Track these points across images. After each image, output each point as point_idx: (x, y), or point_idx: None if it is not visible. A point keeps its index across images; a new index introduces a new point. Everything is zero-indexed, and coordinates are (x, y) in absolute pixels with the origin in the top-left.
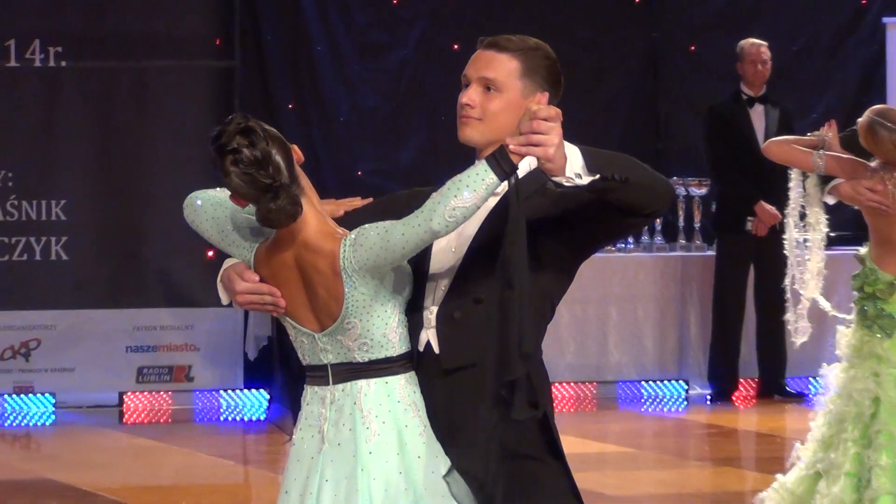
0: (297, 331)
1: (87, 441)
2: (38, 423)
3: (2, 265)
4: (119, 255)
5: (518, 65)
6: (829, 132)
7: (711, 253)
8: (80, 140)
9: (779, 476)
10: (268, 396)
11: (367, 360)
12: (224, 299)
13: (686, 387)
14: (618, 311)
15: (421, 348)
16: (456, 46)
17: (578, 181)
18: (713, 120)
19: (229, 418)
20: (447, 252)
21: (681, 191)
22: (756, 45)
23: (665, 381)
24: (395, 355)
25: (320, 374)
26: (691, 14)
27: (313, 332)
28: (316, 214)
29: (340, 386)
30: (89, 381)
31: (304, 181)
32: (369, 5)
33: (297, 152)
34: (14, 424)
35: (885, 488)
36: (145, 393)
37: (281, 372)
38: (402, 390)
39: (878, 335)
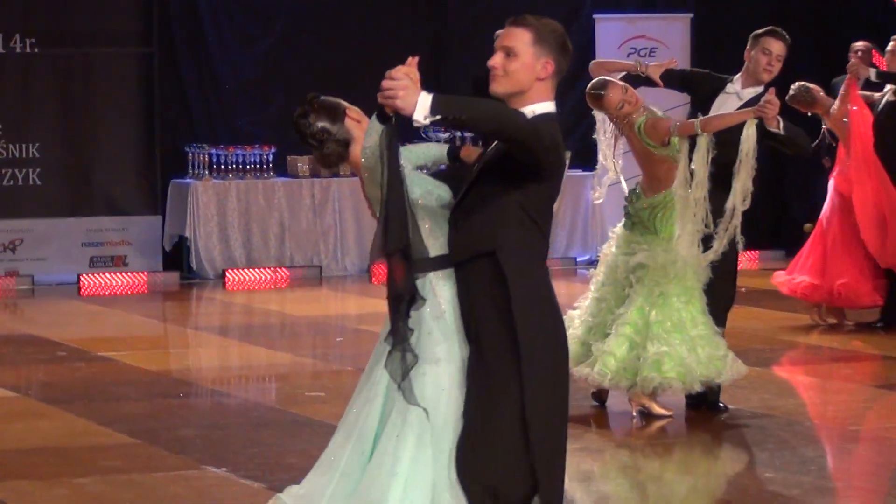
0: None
1: (55, 308)
2: (22, 296)
3: None
4: (76, 181)
5: (531, 35)
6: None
7: None
8: (50, 104)
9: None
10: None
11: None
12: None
13: None
14: None
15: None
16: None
17: (424, 122)
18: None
19: (153, 291)
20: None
21: None
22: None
23: None
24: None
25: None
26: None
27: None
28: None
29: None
30: (57, 267)
31: (357, 132)
32: (246, 7)
33: (351, 113)
34: (4, 297)
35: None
36: (96, 274)
37: None
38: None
39: (639, 232)
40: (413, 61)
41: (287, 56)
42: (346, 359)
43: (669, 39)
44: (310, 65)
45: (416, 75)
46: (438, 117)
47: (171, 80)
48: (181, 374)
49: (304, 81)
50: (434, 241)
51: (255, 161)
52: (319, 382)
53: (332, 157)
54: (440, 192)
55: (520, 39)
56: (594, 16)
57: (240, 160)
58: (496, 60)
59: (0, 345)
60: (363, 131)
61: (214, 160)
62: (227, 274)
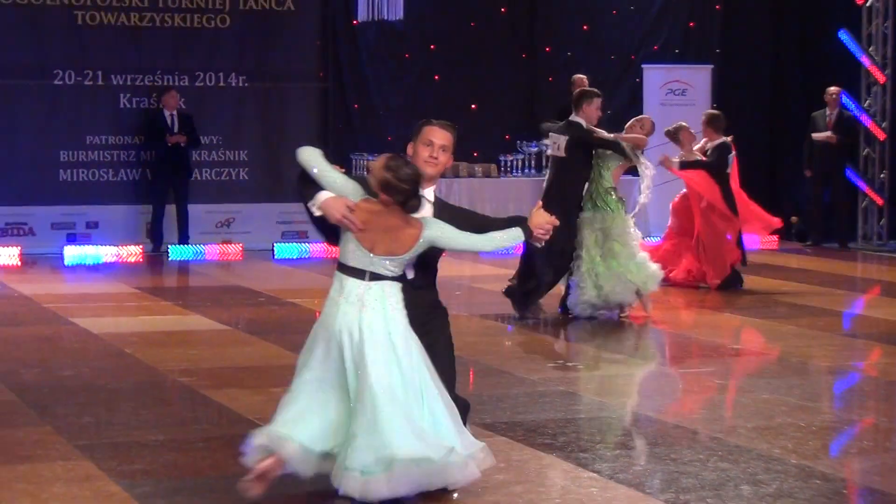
0: (357, 245)
1: (257, 267)
2: (234, 259)
3: None
4: (272, 177)
5: (453, 140)
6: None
7: None
8: (254, 122)
9: None
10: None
11: (390, 275)
12: (317, 212)
13: None
14: None
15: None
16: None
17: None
18: None
19: (326, 257)
20: None
21: None
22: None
23: None
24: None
25: (359, 274)
26: None
27: (370, 252)
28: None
29: (373, 283)
30: (258, 238)
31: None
32: (393, 54)
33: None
34: (222, 259)
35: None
36: (285, 244)
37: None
38: (399, 293)
39: (602, 211)
40: (552, 219)
41: (423, 90)
42: (462, 307)
43: (696, 83)
44: (437, 96)
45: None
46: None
47: (340, 107)
48: None
49: (434, 109)
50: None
51: None
52: None
53: (412, 204)
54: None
55: (451, 141)
56: (643, 66)
57: None
58: (437, 152)
59: (218, 293)
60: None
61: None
62: None
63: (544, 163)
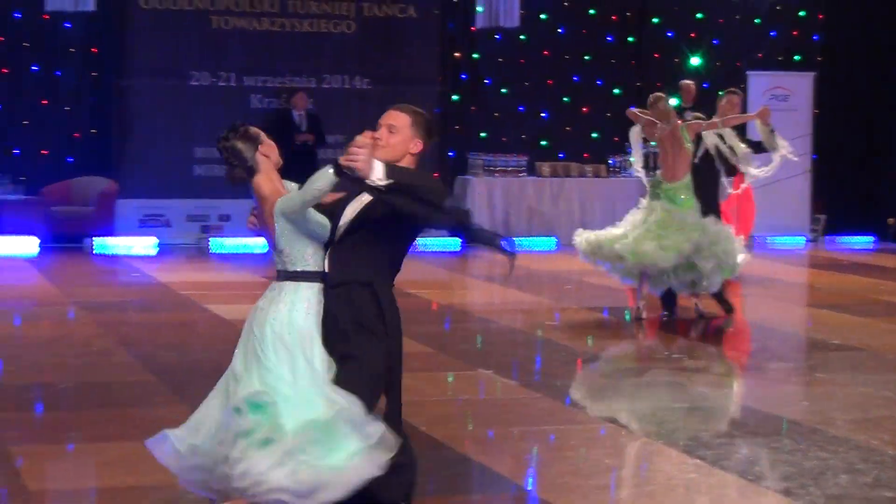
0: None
1: None
2: None
3: None
4: None
5: (409, 119)
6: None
7: None
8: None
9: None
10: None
11: (291, 270)
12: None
13: None
14: None
15: (326, 269)
16: None
17: (379, 183)
18: None
19: (444, 251)
20: (347, 216)
21: None
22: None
23: None
24: (309, 270)
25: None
26: None
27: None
28: (268, 182)
29: (282, 282)
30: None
31: (265, 165)
32: (507, 62)
33: (264, 149)
34: None
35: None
36: None
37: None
38: (307, 291)
39: (662, 201)
40: (368, 134)
41: (536, 93)
42: (573, 299)
43: (798, 90)
44: (550, 99)
45: (370, 143)
46: (391, 181)
47: (457, 109)
48: (461, 306)
49: (548, 111)
50: (313, 260)
51: (513, 164)
52: (552, 314)
53: (235, 177)
54: (324, 223)
55: (401, 121)
56: (747, 72)
57: (503, 164)
58: (381, 133)
59: None
60: (269, 166)
61: (486, 163)
62: None
63: (650, 164)
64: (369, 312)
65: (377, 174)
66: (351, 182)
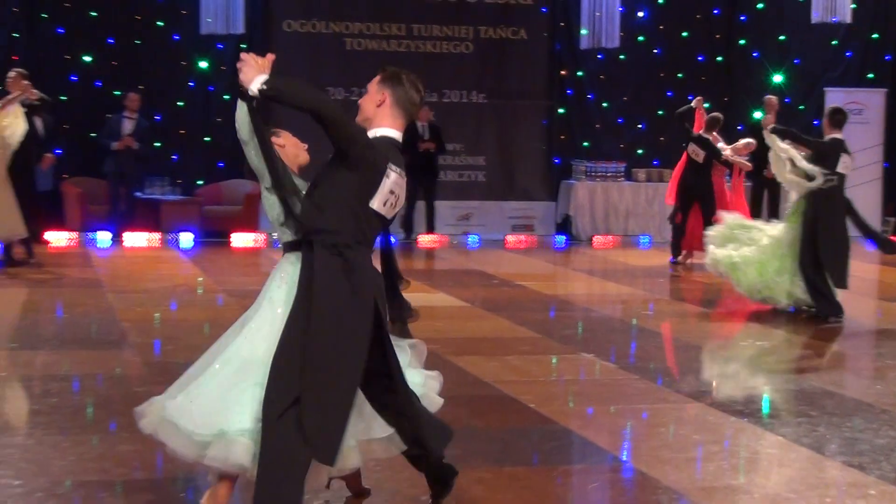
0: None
1: (490, 254)
2: (471, 247)
3: None
4: (505, 179)
5: (378, 77)
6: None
7: None
8: (491, 134)
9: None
10: None
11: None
12: None
13: None
14: None
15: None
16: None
17: (255, 92)
18: None
19: (549, 247)
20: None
21: None
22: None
23: None
24: (287, 241)
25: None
26: None
27: None
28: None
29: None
30: (492, 230)
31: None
32: (609, 75)
33: (276, 139)
34: (460, 247)
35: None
36: (515, 235)
37: None
38: (284, 262)
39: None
40: (270, 56)
41: (632, 109)
42: (665, 292)
43: (871, 105)
44: (647, 112)
45: (264, 63)
46: (266, 88)
47: (563, 122)
48: (565, 297)
49: (644, 123)
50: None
51: (612, 170)
52: (646, 304)
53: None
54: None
55: (372, 82)
56: (825, 89)
57: (603, 170)
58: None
59: (461, 275)
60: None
61: (588, 169)
62: (593, 238)
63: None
64: (304, 273)
65: (257, 83)
66: (240, 96)
